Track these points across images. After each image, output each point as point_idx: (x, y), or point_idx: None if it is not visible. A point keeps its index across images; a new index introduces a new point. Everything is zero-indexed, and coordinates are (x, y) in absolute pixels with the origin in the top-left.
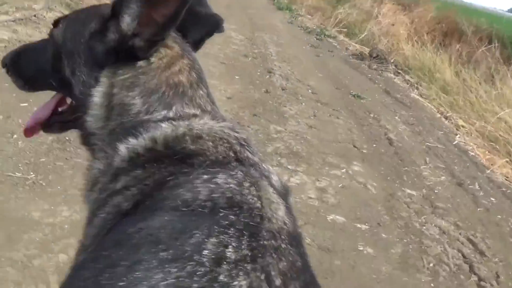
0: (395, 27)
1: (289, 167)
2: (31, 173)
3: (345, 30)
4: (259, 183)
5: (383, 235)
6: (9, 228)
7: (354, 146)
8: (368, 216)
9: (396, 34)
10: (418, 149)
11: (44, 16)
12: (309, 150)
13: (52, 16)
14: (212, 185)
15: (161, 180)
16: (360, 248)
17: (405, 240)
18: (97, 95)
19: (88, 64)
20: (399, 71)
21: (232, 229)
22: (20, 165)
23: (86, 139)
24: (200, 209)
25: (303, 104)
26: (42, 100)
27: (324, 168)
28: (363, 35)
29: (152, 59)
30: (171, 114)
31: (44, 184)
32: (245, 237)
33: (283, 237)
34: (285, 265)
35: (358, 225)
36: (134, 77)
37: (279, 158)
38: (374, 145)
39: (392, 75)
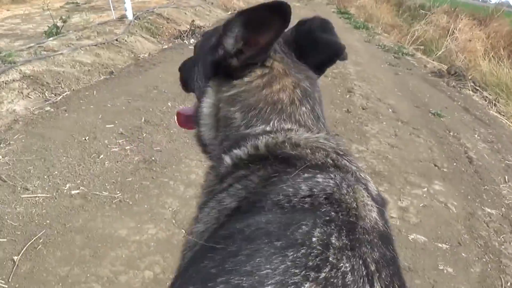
0: (471, 42)
1: None
2: (118, 192)
3: (422, 47)
4: (355, 186)
5: (463, 255)
6: (96, 245)
7: (435, 165)
8: (448, 235)
9: (473, 50)
10: (498, 167)
11: (125, 40)
12: (391, 169)
13: (132, 40)
14: (312, 183)
15: (265, 176)
16: (440, 267)
17: (484, 260)
18: (205, 105)
19: (203, 75)
20: (477, 87)
21: (333, 223)
22: (107, 184)
23: (204, 148)
24: (301, 205)
25: (384, 123)
26: (127, 122)
27: (405, 187)
28: (440, 52)
29: (247, 79)
30: (268, 128)
31: (130, 203)
32: (344, 230)
33: (374, 234)
34: (377, 255)
35: (439, 245)
36: (236, 94)
37: None
38: (454, 164)
39: (470, 92)
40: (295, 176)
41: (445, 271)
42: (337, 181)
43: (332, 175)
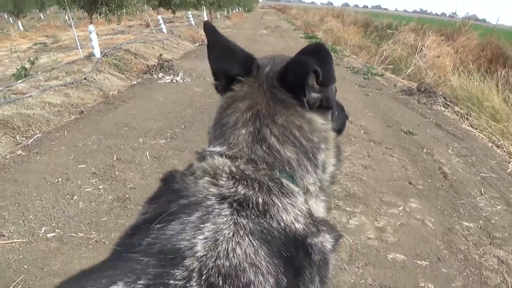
0: (440, 58)
1: (347, 209)
2: (93, 232)
3: (391, 66)
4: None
5: (443, 270)
6: None
7: (410, 183)
8: (427, 252)
9: (442, 65)
10: (473, 180)
11: (94, 78)
12: (366, 190)
13: (101, 78)
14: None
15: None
16: (422, 285)
17: (465, 273)
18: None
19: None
20: (448, 103)
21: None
22: (82, 225)
23: None
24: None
25: (356, 145)
26: (99, 161)
27: (381, 208)
28: (409, 70)
29: (221, 100)
30: (209, 150)
31: (107, 242)
32: None
33: None
34: None
35: (418, 262)
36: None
37: (336, 201)
38: (429, 180)
39: (441, 107)
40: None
41: None
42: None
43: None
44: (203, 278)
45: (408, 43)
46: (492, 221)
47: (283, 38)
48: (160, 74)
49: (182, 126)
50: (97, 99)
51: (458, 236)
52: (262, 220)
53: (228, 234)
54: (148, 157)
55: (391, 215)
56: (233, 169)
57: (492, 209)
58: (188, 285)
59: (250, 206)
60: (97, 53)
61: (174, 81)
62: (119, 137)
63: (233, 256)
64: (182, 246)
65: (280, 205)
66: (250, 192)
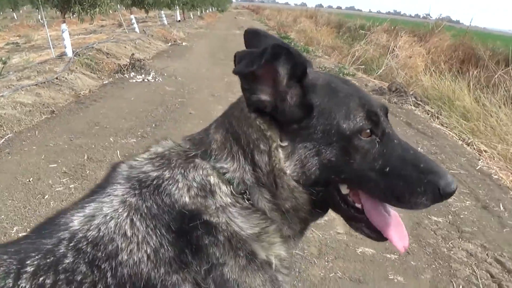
0: (412, 59)
1: None
2: None
3: (362, 66)
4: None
5: (412, 263)
6: None
7: None
8: None
9: (414, 66)
10: None
11: (66, 78)
12: None
13: (73, 77)
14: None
15: None
16: (391, 277)
17: (433, 266)
18: None
19: None
20: (419, 102)
21: None
22: None
23: None
24: None
25: None
26: (70, 161)
27: None
28: (381, 70)
29: None
30: None
31: None
32: None
33: None
34: None
35: (387, 255)
36: None
37: None
38: None
39: (412, 107)
40: None
41: (395, 280)
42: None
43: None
44: (71, 244)
45: (380, 43)
46: (461, 216)
47: None
48: (132, 74)
49: (153, 125)
50: (69, 98)
51: (427, 231)
52: (155, 196)
53: (106, 211)
54: (119, 156)
55: None
56: (161, 150)
57: (461, 204)
58: (56, 249)
59: (148, 183)
60: (69, 53)
61: (145, 80)
62: (90, 136)
63: (104, 229)
64: (61, 222)
65: (169, 176)
66: (152, 169)
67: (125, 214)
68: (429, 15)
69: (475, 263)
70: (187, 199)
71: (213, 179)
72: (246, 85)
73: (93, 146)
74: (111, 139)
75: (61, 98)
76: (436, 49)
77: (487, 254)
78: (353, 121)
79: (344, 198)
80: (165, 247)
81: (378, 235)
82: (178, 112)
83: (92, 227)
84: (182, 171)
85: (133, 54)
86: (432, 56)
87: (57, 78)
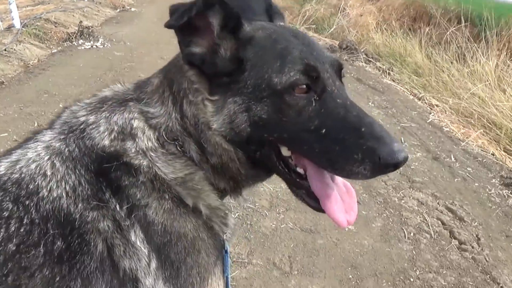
0: (363, 17)
1: None
2: None
3: (314, 26)
4: None
5: (363, 212)
6: None
7: None
8: None
9: (365, 24)
10: (393, 130)
11: (14, 49)
12: None
13: (21, 48)
14: None
15: None
16: None
17: (384, 215)
18: None
19: None
20: (370, 59)
21: None
22: None
23: None
24: None
25: None
26: (20, 129)
27: None
28: (332, 29)
29: None
30: None
31: None
32: None
33: None
34: None
35: None
36: None
37: None
38: None
39: (363, 63)
40: None
41: (346, 229)
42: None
43: None
44: None
45: (331, 3)
46: (412, 167)
47: None
48: (80, 41)
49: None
50: (18, 69)
51: (378, 181)
52: (78, 140)
53: (30, 156)
54: None
55: None
56: (106, 94)
57: (412, 156)
58: None
59: (75, 127)
60: (17, 24)
61: (94, 47)
62: (39, 104)
63: (26, 171)
64: None
65: (93, 120)
66: (83, 114)
67: (46, 157)
68: None
69: (426, 212)
70: (106, 142)
71: (136, 123)
72: (180, 37)
73: (43, 113)
74: (60, 105)
75: (10, 69)
76: (387, 7)
77: (438, 203)
78: (286, 75)
79: (285, 161)
80: (83, 185)
81: (318, 205)
82: (127, 76)
83: (15, 171)
84: (107, 115)
85: (81, 22)
86: (383, 14)
87: (5, 50)
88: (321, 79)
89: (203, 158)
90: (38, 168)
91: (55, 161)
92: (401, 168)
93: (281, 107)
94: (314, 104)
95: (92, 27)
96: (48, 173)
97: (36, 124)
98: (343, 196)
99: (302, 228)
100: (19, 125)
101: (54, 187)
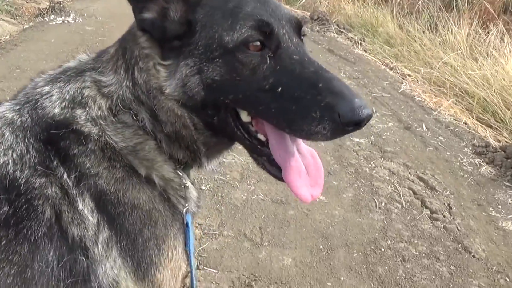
0: None
1: None
2: None
3: None
4: None
5: (334, 182)
6: None
7: None
8: None
9: None
10: (365, 100)
11: None
12: None
13: None
14: None
15: None
16: None
17: (355, 185)
18: None
19: None
20: (342, 30)
21: None
22: None
23: None
24: None
25: None
26: None
27: None
28: (303, 0)
29: None
30: None
31: None
32: None
33: None
34: None
35: None
36: None
37: None
38: None
39: (334, 34)
40: None
41: (317, 200)
42: None
43: None
44: None
45: None
46: (383, 137)
47: None
48: (52, 16)
49: None
50: None
51: (349, 151)
52: (32, 111)
53: None
54: None
55: None
56: (69, 64)
57: (383, 125)
58: None
59: (31, 98)
60: None
61: (65, 22)
62: (11, 80)
63: None
64: None
65: (47, 90)
66: (41, 84)
67: None
68: None
69: (397, 181)
70: (56, 110)
71: (88, 92)
72: (132, 4)
73: (14, 88)
74: None
75: None
76: None
77: (409, 172)
78: (238, 32)
79: (244, 126)
80: (31, 153)
81: (281, 175)
82: (99, 50)
83: None
84: (61, 85)
85: None
86: None
87: None
88: (275, 35)
89: (156, 127)
90: None
91: (4, 131)
92: (372, 138)
93: (234, 66)
94: (268, 62)
95: (63, 2)
96: None
97: (8, 99)
98: (308, 168)
99: (273, 199)
100: None
101: (2, 154)
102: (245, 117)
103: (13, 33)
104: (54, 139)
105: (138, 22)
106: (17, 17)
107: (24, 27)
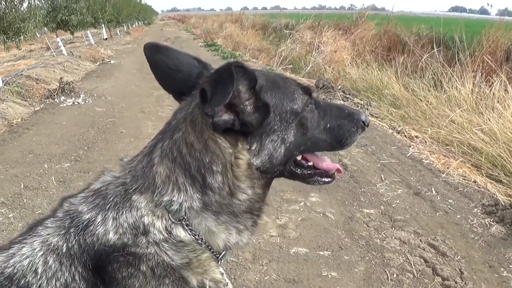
0: (337, 53)
1: None
2: None
3: (290, 66)
4: None
5: (345, 257)
6: None
7: None
8: (329, 242)
9: (340, 60)
10: (373, 168)
11: None
12: None
13: (4, 107)
14: None
15: None
16: (324, 274)
17: (367, 258)
18: None
19: None
20: (348, 96)
21: None
22: None
23: None
24: None
25: None
26: (7, 190)
27: (283, 205)
28: (309, 68)
29: None
30: None
31: None
32: None
33: None
34: None
35: (321, 252)
36: None
37: None
38: None
39: (341, 101)
40: None
41: (329, 276)
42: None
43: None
44: None
45: (305, 41)
46: (393, 205)
47: (183, 49)
48: (62, 98)
49: (86, 148)
50: (2, 128)
51: (359, 224)
52: (79, 236)
53: (24, 251)
54: (54, 182)
55: (292, 211)
56: (98, 186)
57: (392, 193)
58: None
59: (77, 223)
60: None
61: (75, 103)
62: (24, 165)
63: (19, 266)
64: None
65: (101, 219)
66: (86, 209)
67: (40, 254)
68: (353, 5)
69: (408, 250)
70: (111, 235)
71: (147, 219)
72: (211, 111)
73: (28, 174)
74: (45, 165)
75: None
76: (361, 40)
77: (420, 240)
78: (299, 99)
79: (299, 164)
80: (77, 281)
81: (330, 177)
82: (110, 132)
83: (9, 265)
84: (115, 214)
85: (61, 78)
86: (357, 48)
87: None
88: (311, 93)
89: (222, 219)
90: (29, 264)
91: (48, 258)
92: (382, 208)
93: (302, 123)
94: (316, 111)
95: (72, 82)
96: (40, 270)
97: (22, 186)
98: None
99: (285, 278)
100: (5, 186)
101: (44, 284)
102: (299, 157)
103: (24, 115)
104: (103, 264)
105: (218, 126)
106: (28, 99)
107: (35, 108)
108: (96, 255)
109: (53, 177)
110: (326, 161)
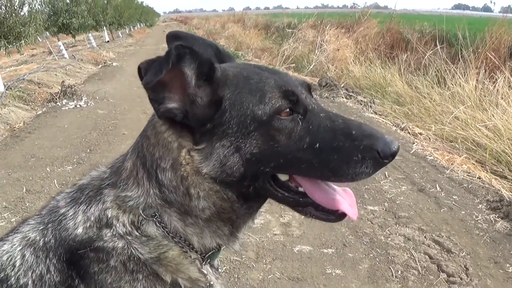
0: (340, 51)
1: None
2: None
3: (293, 64)
4: None
5: (350, 255)
6: None
7: None
8: (333, 240)
9: (343, 58)
10: None
11: (0, 113)
12: None
13: (6, 111)
14: None
15: None
16: (329, 271)
17: (371, 255)
18: None
19: None
20: (351, 93)
21: None
22: None
23: None
24: None
25: None
26: (9, 195)
27: None
28: (311, 66)
29: None
30: None
31: None
32: None
33: None
34: None
35: (325, 250)
36: None
37: None
38: None
39: (344, 99)
40: None
41: (333, 274)
42: None
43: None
44: None
45: (308, 40)
46: (397, 202)
47: None
48: (64, 101)
49: (88, 150)
50: (4, 133)
51: (363, 221)
52: (55, 231)
53: (5, 247)
54: (57, 185)
55: None
56: (83, 181)
57: (396, 190)
58: None
59: (54, 218)
60: (1, 87)
61: (78, 106)
62: (27, 169)
63: None
64: None
65: (72, 213)
66: (63, 204)
67: (18, 249)
68: (356, 4)
69: (413, 247)
70: (79, 230)
71: (110, 212)
72: (153, 95)
73: (30, 178)
74: (47, 169)
75: None
76: (364, 38)
77: (425, 236)
78: (268, 104)
79: (285, 186)
80: (52, 273)
81: (327, 215)
82: (112, 134)
83: None
84: (84, 208)
85: (63, 81)
86: (360, 46)
87: None
88: (300, 101)
89: (190, 220)
90: (8, 259)
91: (25, 252)
92: (386, 204)
93: (271, 135)
94: (301, 124)
95: (74, 85)
96: (17, 263)
97: (24, 190)
98: (342, 195)
99: (289, 277)
100: (8, 191)
101: (22, 276)
102: (283, 177)
103: (26, 119)
104: (76, 259)
105: (162, 113)
106: (30, 103)
107: (37, 112)
108: (70, 250)
109: (55, 180)
110: (332, 194)
